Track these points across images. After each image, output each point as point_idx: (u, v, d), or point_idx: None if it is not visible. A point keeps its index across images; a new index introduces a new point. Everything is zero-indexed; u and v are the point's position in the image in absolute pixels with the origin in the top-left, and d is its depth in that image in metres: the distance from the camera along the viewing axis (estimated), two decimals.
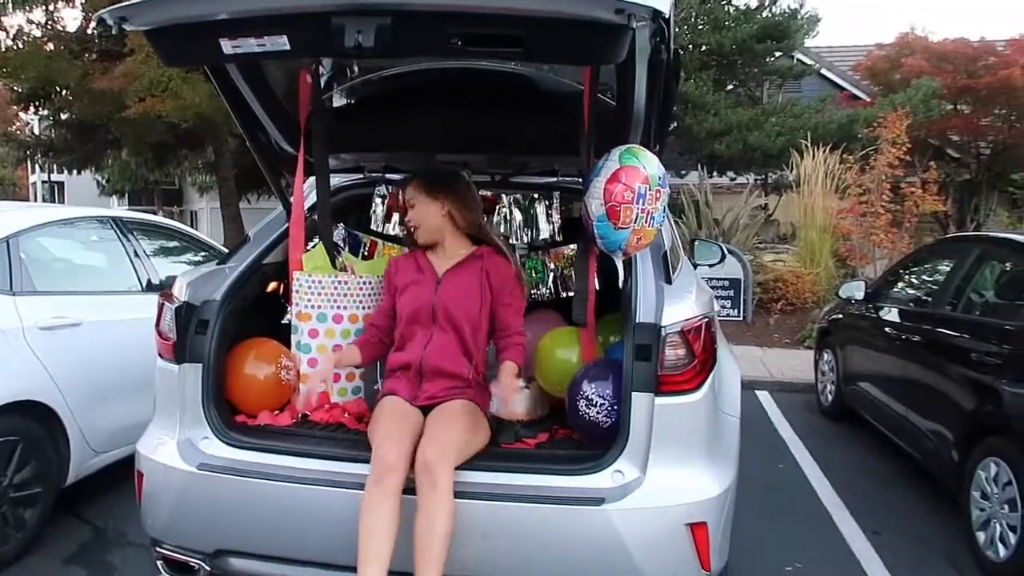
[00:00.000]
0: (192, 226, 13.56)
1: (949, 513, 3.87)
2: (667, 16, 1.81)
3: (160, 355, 2.60)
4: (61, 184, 31.92)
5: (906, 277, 5.47)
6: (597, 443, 2.36)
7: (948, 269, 4.58)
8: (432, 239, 2.62)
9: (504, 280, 2.58)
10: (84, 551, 3.42)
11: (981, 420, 3.51)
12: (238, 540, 2.39)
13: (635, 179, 2.36)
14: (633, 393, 2.23)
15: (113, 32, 1.98)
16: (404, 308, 2.58)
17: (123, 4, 1.90)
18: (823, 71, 16.92)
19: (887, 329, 4.95)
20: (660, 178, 2.41)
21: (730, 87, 15.05)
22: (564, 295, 3.15)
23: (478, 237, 2.67)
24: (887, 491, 4.43)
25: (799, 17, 14.16)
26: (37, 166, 27.89)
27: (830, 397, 6.03)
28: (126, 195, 24.81)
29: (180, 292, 2.59)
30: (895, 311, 4.99)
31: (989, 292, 4.17)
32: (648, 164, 2.39)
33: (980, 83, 14.56)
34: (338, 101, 3.21)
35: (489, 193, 3.21)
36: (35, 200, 32.36)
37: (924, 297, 4.95)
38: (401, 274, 2.66)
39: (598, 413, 2.38)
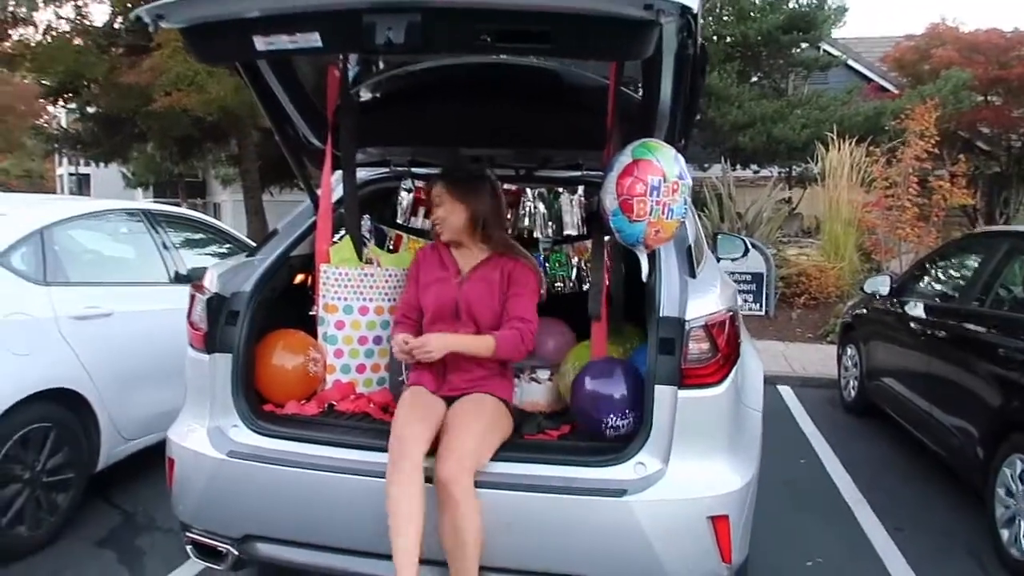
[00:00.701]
0: (215, 218, 13.72)
1: (972, 510, 3.85)
2: (695, 12, 1.82)
3: (191, 345, 2.65)
4: (87, 176, 32.33)
5: (933, 272, 5.41)
6: (618, 441, 2.38)
7: (976, 264, 4.53)
8: (455, 239, 2.65)
9: (521, 276, 2.60)
10: (114, 535, 3.51)
11: (1007, 416, 3.48)
12: (265, 526, 2.44)
13: (648, 172, 2.35)
14: (656, 386, 2.24)
15: (150, 30, 2.03)
16: (429, 304, 2.61)
17: (160, 2, 1.94)
18: (850, 62, 16.69)
19: (912, 324, 4.90)
20: (678, 172, 2.40)
21: (755, 79, 14.91)
22: (586, 288, 3.16)
23: (497, 243, 2.68)
24: (909, 487, 4.41)
25: (826, 7, 13.98)
26: (64, 159, 28.30)
27: (853, 392, 5.99)
28: (151, 187, 25.13)
29: (211, 283, 2.64)
30: (921, 306, 4.94)
31: (1018, 287, 4.12)
32: (663, 157, 2.38)
33: (1012, 74, 14.29)
34: (365, 95, 3.24)
35: (514, 187, 3.23)
36: (61, 192, 32.84)
37: (951, 292, 4.90)
38: (425, 269, 2.68)
39: (625, 428, 2.39)
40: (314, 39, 1.96)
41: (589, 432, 2.46)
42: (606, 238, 2.71)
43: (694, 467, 2.23)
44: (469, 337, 2.50)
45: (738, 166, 14.25)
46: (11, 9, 11.50)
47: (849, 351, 6.20)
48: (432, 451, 2.27)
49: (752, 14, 13.76)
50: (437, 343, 2.45)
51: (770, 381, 5.53)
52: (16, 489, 3.18)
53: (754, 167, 14.61)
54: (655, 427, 2.24)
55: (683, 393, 2.24)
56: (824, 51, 15.36)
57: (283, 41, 1.98)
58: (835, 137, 10.77)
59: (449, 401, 2.48)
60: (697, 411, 2.25)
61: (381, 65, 3.15)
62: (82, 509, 3.57)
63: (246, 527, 2.46)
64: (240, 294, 2.64)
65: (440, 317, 2.59)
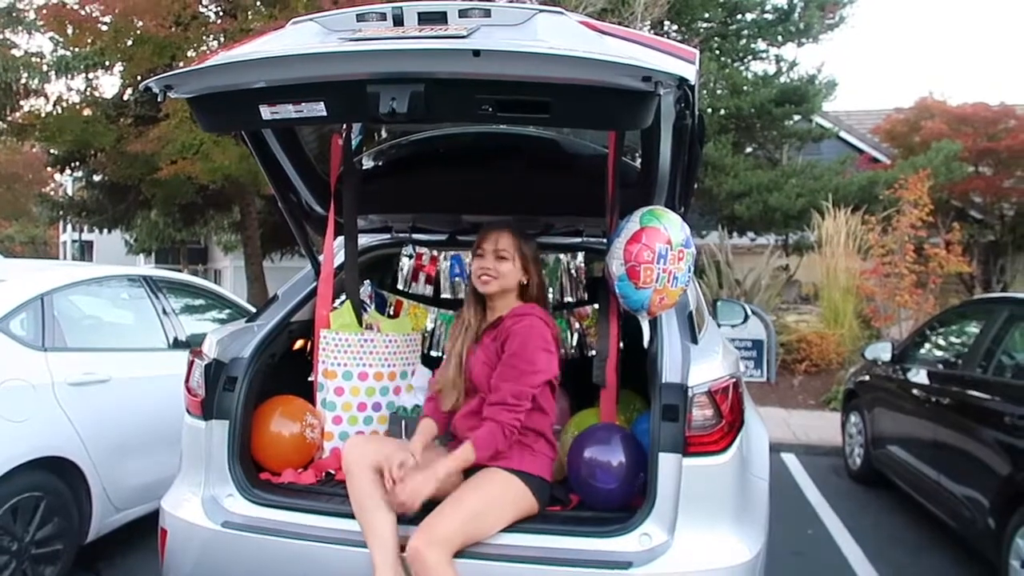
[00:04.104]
0: (217, 284, 13.74)
1: None
2: (692, 83, 1.86)
3: (188, 411, 2.62)
4: (90, 243, 32.65)
5: (933, 338, 5.40)
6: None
7: (977, 331, 4.52)
8: (498, 292, 2.46)
9: (511, 346, 2.34)
10: None
11: (1018, 486, 3.42)
12: None
13: (656, 240, 2.38)
14: (660, 454, 2.20)
15: (159, 100, 2.07)
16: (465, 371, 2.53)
17: (169, 73, 2.00)
18: (842, 134, 17.05)
19: (916, 391, 4.86)
20: (684, 240, 2.43)
21: (749, 149, 15.19)
22: (588, 354, 3.14)
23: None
24: (920, 558, 4.30)
25: (817, 82, 14.36)
26: (69, 226, 28.61)
27: (858, 460, 5.89)
28: (152, 254, 25.32)
29: (210, 349, 2.63)
30: (923, 373, 4.91)
31: (1021, 354, 4.10)
32: (670, 225, 2.41)
33: (1001, 145, 14.58)
34: (367, 163, 3.30)
35: None
36: (65, 258, 33.06)
37: (953, 359, 4.88)
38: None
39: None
40: (319, 109, 2.01)
41: (593, 502, 2.41)
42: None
43: (701, 538, 2.18)
44: (449, 459, 2.25)
45: (735, 234, 14.39)
46: (23, 81, 11.78)
47: (853, 418, 6.12)
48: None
49: (745, 88, 14.11)
50: (412, 492, 2.17)
51: (774, 449, 5.43)
52: (2, 561, 3.09)
53: (751, 235, 14.75)
54: (660, 496, 2.19)
55: (688, 461, 2.19)
56: (816, 123, 15.71)
57: (288, 111, 2.02)
58: (830, 206, 10.91)
59: (467, 473, 2.34)
60: (702, 480, 2.20)
61: (384, 133, 3.21)
62: None
63: None
64: (239, 360, 2.62)
65: (454, 384, 2.50)
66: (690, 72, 1.84)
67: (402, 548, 2.16)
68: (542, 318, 2.40)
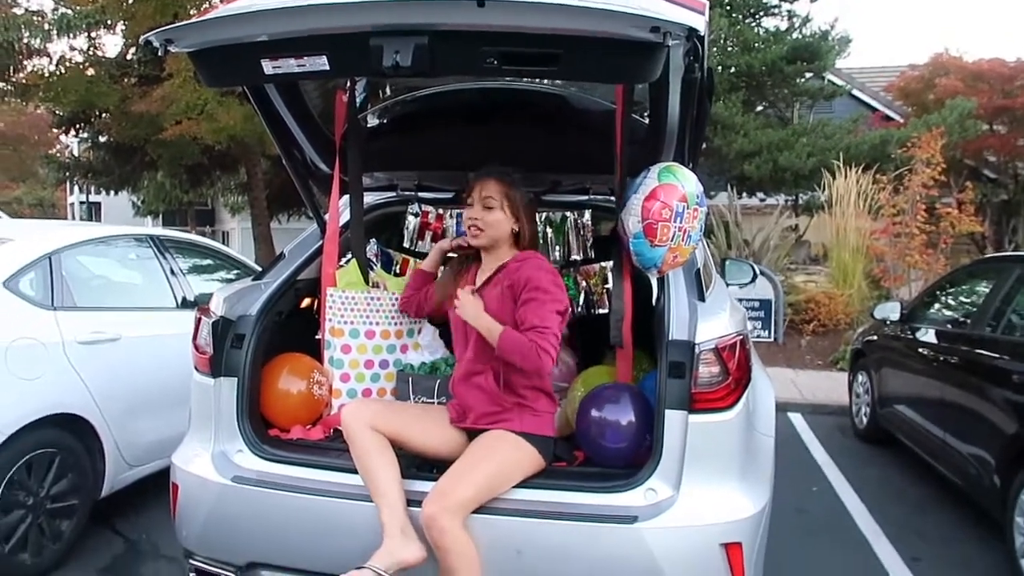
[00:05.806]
0: (225, 245, 13.71)
1: (991, 538, 3.77)
2: (702, 35, 1.81)
3: (196, 368, 2.64)
4: (98, 205, 32.66)
5: (943, 298, 5.37)
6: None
7: (987, 290, 4.49)
8: (490, 245, 2.46)
9: (523, 281, 2.32)
10: (118, 563, 3.47)
11: (1023, 444, 3.42)
12: (270, 553, 2.39)
13: (673, 197, 2.36)
14: (666, 411, 2.21)
15: (159, 54, 2.04)
16: (450, 320, 2.54)
17: (169, 27, 1.96)
18: (854, 92, 16.81)
19: (924, 351, 4.85)
20: (698, 196, 2.40)
21: (760, 108, 14.99)
22: (595, 312, 3.13)
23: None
24: (925, 515, 4.34)
25: (830, 38, 14.08)
26: (76, 187, 28.61)
27: (865, 420, 5.91)
28: (160, 216, 25.33)
29: (217, 307, 2.63)
30: (932, 332, 4.90)
31: None
32: (686, 182, 2.39)
33: (1017, 103, 14.36)
34: (372, 120, 3.26)
35: None
36: (73, 220, 33.10)
37: (962, 318, 4.86)
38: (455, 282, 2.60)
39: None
40: (321, 62, 1.97)
41: (601, 460, 2.42)
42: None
43: (706, 493, 2.19)
44: (483, 316, 2.31)
45: (744, 194, 14.27)
46: (25, 40, 11.68)
47: (860, 378, 6.13)
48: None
49: (756, 45, 13.86)
50: (470, 308, 2.32)
51: (780, 408, 5.46)
52: (20, 516, 3.15)
53: (760, 195, 14.63)
54: (665, 452, 2.20)
55: (694, 418, 2.20)
56: (828, 81, 15.46)
57: (291, 64, 1.99)
58: (841, 165, 10.79)
59: (471, 435, 2.37)
60: (708, 436, 2.21)
61: (388, 90, 3.17)
62: (85, 536, 3.53)
63: (250, 555, 2.41)
64: (246, 317, 2.62)
65: (457, 340, 2.51)
66: (699, 23, 1.79)
67: (408, 503, 2.19)
68: (543, 261, 2.44)
